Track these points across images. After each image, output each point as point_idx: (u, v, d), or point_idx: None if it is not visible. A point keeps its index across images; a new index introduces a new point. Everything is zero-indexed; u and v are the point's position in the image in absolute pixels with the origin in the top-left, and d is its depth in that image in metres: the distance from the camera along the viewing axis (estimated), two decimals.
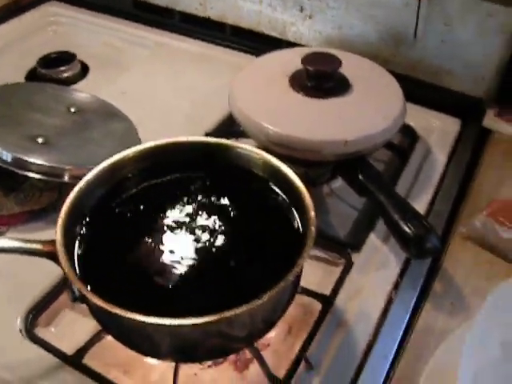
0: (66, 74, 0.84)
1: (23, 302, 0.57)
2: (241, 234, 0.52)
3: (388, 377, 0.52)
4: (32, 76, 0.86)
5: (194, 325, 0.43)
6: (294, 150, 0.62)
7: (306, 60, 0.65)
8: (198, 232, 0.52)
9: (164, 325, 0.42)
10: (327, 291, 0.58)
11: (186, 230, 0.52)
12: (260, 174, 0.55)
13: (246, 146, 0.55)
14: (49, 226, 0.64)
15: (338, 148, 0.61)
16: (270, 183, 0.55)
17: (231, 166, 0.56)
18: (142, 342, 0.49)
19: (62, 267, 0.46)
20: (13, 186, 0.65)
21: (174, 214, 0.53)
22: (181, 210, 0.54)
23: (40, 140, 0.64)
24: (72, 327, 0.58)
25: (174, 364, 0.53)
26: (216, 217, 0.53)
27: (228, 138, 0.73)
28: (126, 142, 0.68)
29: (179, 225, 0.52)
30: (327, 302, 0.57)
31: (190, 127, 0.76)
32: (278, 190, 0.54)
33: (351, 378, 0.52)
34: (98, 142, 0.67)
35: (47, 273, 0.58)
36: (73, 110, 0.70)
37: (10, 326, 0.55)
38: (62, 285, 0.58)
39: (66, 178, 0.63)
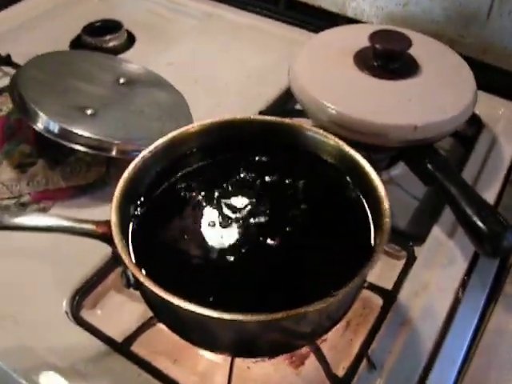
0: (112, 43, 0.80)
1: (69, 283, 0.54)
2: (308, 224, 0.48)
3: (456, 382, 0.49)
4: (76, 44, 0.82)
5: (260, 321, 0.40)
6: (357, 132, 0.58)
7: (374, 38, 0.61)
8: (261, 218, 0.49)
9: (230, 320, 0.40)
10: (388, 286, 0.55)
11: (249, 215, 0.49)
12: (329, 161, 0.51)
13: (316, 129, 0.51)
14: (96, 203, 0.61)
15: (406, 133, 0.57)
16: (341, 171, 0.51)
17: (297, 148, 0.52)
18: (199, 334, 0.46)
19: (117, 252, 0.43)
20: (58, 158, 0.62)
21: (235, 197, 0.50)
22: (243, 193, 0.50)
23: (89, 111, 0.60)
24: (119, 310, 0.55)
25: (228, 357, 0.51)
26: (281, 202, 0.50)
27: (283, 117, 0.70)
28: (177, 116, 0.65)
29: (241, 209, 0.49)
30: (389, 297, 0.54)
31: (242, 104, 0.72)
32: (348, 178, 0.50)
33: (416, 381, 0.49)
34: (148, 115, 0.63)
35: (93, 253, 0.55)
36: (121, 80, 0.66)
37: (56, 309, 0.52)
38: (110, 266, 0.56)
39: (114, 153, 0.59)
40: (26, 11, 0.87)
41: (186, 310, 0.40)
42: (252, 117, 0.54)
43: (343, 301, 0.45)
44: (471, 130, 0.70)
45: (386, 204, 0.46)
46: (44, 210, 0.59)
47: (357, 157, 0.49)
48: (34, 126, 0.58)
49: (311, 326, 0.45)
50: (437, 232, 0.59)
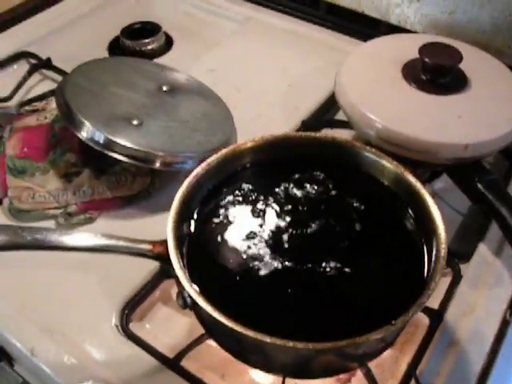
0: (150, 47, 0.80)
1: (117, 296, 0.54)
2: (363, 247, 0.48)
3: None
4: (114, 47, 0.82)
5: (322, 349, 0.40)
6: (405, 149, 0.57)
7: (423, 51, 0.60)
8: (316, 239, 0.49)
9: (292, 347, 0.40)
10: (434, 304, 0.55)
11: (303, 235, 0.49)
12: (385, 183, 0.51)
13: (373, 150, 0.51)
14: (141, 214, 0.61)
15: (456, 152, 0.57)
16: (397, 194, 0.51)
17: (352, 167, 0.52)
18: (254, 356, 0.46)
19: (175, 273, 0.44)
20: (103, 168, 0.62)
21: (289, 215, 0.50)
22: (297, 212, 0.50)
23: (134, 122, 0.60)
24: (166, 324, 0.56)
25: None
26: (335, 223, 0.50)
27: (325, 127, 0.70)
28: (222, 128, 0.64)
29: (295, 228, 0.49)
30: (437, 316, 0.54)
31: (285, 112, 0.71)
32: (404, 202, 0.50)
33: None
34: (193, 126, 0.63)
35: (140, 265, 0.56)
36: (165, 88, 0.66)
37: (105, 322, 0.53)
38: (158, 279, 0.56)
39: (158, 165, 0.59)
40: (64, 13, 0.87)
41: (248, 336, 0.40)
42: (304, 134, 0.54)
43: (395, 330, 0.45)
44: None
45: (442, 232, 0.46)
46: (90, 221, 0.59)
47: (416, 184, 0.49)
48: (80, 135, 0.58)
49: (365, 350, 0.46)
50: (483, 250, 0.59)
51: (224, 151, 0.52)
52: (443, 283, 0.58)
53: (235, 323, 0.40)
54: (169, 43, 0.83)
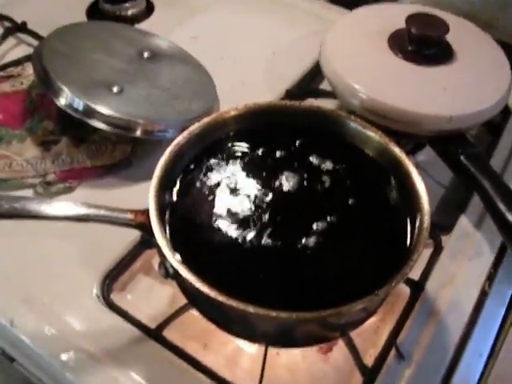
0: (130, 11, 0.77)
1: (98, 266, 0.54)
2: (346, 218, 0.48)
3: (483, 375, 0.50)
4: (93, 11, 0.79)
5: (305, 318, 0.40)
6: (389, 120, 0.57)
7: (410, 21, 0.59)
8: (299, 208, 0.48)
9: (275, 317, 0.40)
10: (415, 275, 0.55)
11: (286, 204, 0.48)
12: (370, 154, 0.51)
13: (359, 121, 0.51)
14: (122, 183, 0.60)
15: (440, 124, 0.56)
16: (382, 166, 0.50)
17: (336, 137, 0.52)
18: (237, 326, 0.46)
19: (157, 243, 0.43)
20: (83, 136, 0.61)
21: (272, 184, 0.49)
22: (280, 181, 0.49)
23: (113, 88, 0.58)
24: (148, 294, 0.55)
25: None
26: (319, 194, 0.49)
27: (309, 97, 0.69)
28: (204, 95, 0.63)
29: (278, 198, 0.48)
30: (417, 287, 0.54)
31: (267, 82, 0.70)
32: (389, 173, 0.50)
33: (443, 374, 0.49)
34: (174, 93, 0.62)
35: (121, 235, 0.55)
36: (146, 54, 0.64)
37: (86, 292, 0.52)
38: (139, 249, 0.56)
39: (139, 133, 0.58)
40: None
41: (230, 305, 0.40)
42: (288, 103, 0.53)
43: (380, 298, 0.45)
44: (498, 117, 0.69)
45: (425, 203, 0.46)
46: (69, 190, 0.58)
47: (400, 155, 0.49)
48: (58, 103, 0.57)
49: (347, 320, 0.46)
50: (464, 222, 0.59)
51: (206, 120, 0.51)
52: (424, 254, 0.58)
53: (218, 293, 0.40)
54: (150, 9, 0.80)
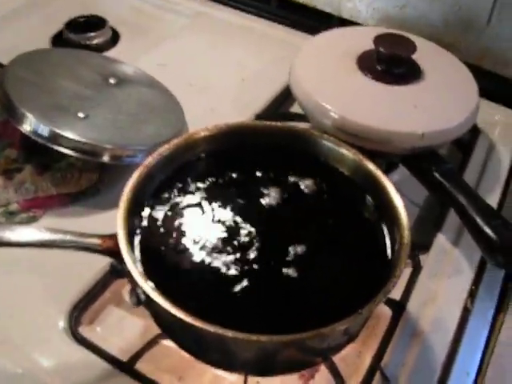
0: (95, 41, 0.76)
1: (64, 298, 0.51)
2: (323, 238, 0.47)
3: None
4: (58, 41, 0.77)
5: (286, 341, 0.38)
6: (361, 139, 0.56)
7: (378, 41, 0.59)
8: (274, 231, 0.47)
9: (256, 341, 0.37)
10: (396, 296, 0.54)
11: (261, 228, 0.47)
12: (345, 172, 0.50)
13: (331, 138, 0.50)
14: (89, 211, 0.57)
15: (412, 141, 0.56)
16: (356, 183, 0.50)
17: (309, 156, 0.51)
18: (214, 354, 0.44)
19: (127, 268, 0.41)
20: (47, 164, 0.58)
21: (245, 208, 0.48)
22: (254, 204, 0.48)
23: (79, 114, 0.57)
24: (118, 326, 0.52)
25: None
26: (293, 215, 0.48)
27: (280, 120, 0.68)
28: (171, 120, 0.62)
29: (252, 219, 0.47)
30: (399, 307, 0.53)
31: (237, 107, 0.69)
32: (364, 191, 0.49)
33: None
34: (141, 118, 0.60)
35: (88, 265, 0.52)
36: (112, 81, 0.63)
37: (53, 326, 0.49)
38: (108, 279, 0.53)
39: (107, 159, 0.56)
40: (4, 3, 0.82)
41: (207, 331, 0.38)
42: (260, 123, 0.52)
43: (361, 319, 0.44)
44: (467, 136, 0.69)
45: (404, 218, 0.45)
46: (34, 219, 0.55)
47: (375, 171, 0.48)
48: (22, 129, 0.55)
49: (329, 343, 0.44)
50: (441, 240, 0.59)
51: (176, 141, 0.49)
52: (404, 275, 0.56)
53: (194, 318, 0.38)
54: (115, 38, 0.79)
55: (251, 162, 0.51)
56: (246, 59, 0.78)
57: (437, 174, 0.56)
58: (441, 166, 0.57)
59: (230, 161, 0.51)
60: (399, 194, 0.47)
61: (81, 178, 0.58)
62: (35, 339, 0.48)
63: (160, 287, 0.40)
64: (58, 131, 0.54)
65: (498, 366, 0.50)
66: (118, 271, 0.53)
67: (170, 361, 0.50)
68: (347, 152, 0.50)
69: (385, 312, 0.54)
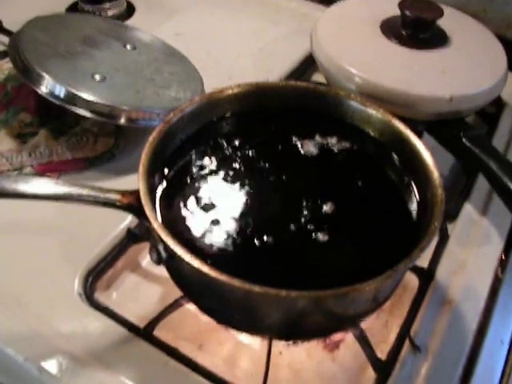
0: (110, 12, 0.74)
1: (80, 262, 0.49)
2: (353, 199, 0.45)
3: (507, 363, 0.46)
4: (73, 12, 0.76)
5: (318, 297, 0.36)
6: (386, 103, 0.54)
7: (403, 5, 0.57)
8: (301, 191, 0.45)
9: (284, 296, 0.35)
10: (424, 264, 0.52)
11: (285, 186, 0.45)
12: (371, 134, 0.48)
13: (361, 99, 0.48)
14: (105, 176, 0.56)
15: (440, 105, 0.54)
16: (385, 145, 0.48)
17: (337, 118, 0.49)
18: (236, 314, 0.41)
19: (148, 222, 0.39)
20: (62, 129, 0.57)
21: (269, 166, 0.46)
22: (278, 163, 0.46)
23: (97, 77, 0.55)
24: (134, 292, 0.50)
25: (257, 341, 0.47)
26: (319, 175, 0.46)
27: None
28: (190, 85, 0.60)
29: (276, 180, 0.45)
30: (427, 275, 0.51)
31: (256, 76, 0.67)
32: (393, 152, 0.47)
33: (464, 364, 0.45)
34: (159, 83, 0.58)
35: (104, 230, 0.51)
36: (129, 47, 0.61)
37: (67, 290, 0.47)
38: (124, 245, 0.51)
39: (124, 121, 0.54)
40: None
41: (234, 286, 0.36)
42: (285, 82, 0.50)
43: (391, 282, 0.42)
44: (493, 108, 0.67)
45: (436, 177, 0.43)
46: None
47: (405, 131, 0.46)
48: (38, 90, 0.53)
49: (357, 307, 0.42)
50: (469, 209, 0.57)
51: (198, 98, 0.47)
52: (431, 244, 0.55)
53: (220, 272, 0.36)
54: (131, 9, 0.78)
55: (276, 124, 0.49)
56: (263, 30, 0.76)
57: (465, 140, 0.54)
58: (469, 131, 0.55)
59: (254, 122, 0.49)
60: (430, 153, 0.45)
61: (96, 143, 0.56)
62: (50, 303, 0.46)
63: (181, 244, 0.39)
64: (74, 92, 0.53)
65: None
66: (134, 236, 0.52)
67: (189, 329, 0.48)
68: (375, 112, 0.48)
69: (412, 281, 0.51)
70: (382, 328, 0.50)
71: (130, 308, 0.48)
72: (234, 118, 0.49)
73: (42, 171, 0.54)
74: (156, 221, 0.38)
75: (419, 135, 0.61)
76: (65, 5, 0.78)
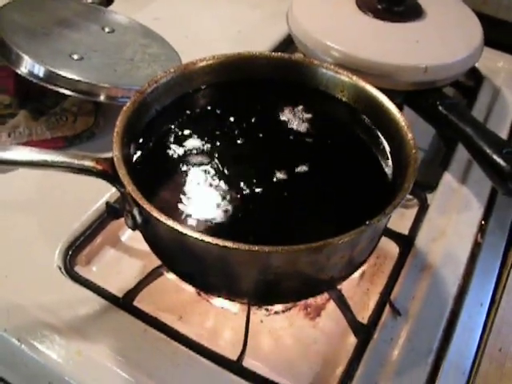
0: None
1: (59, 237, 0.49)
2: (328, 162, 0.45)
3: (486, 325, 0.46)
4: None
5: (292, 251, 0.36)
6: (364, 74, 0.54)
7: None
8: (276, 156, 0.45)
9: (260, 252, 0.35)
10: (404, 231, 0.52)
11: (260, 153, 0.45)
12: (343, 98, 0.48)
13: (329, 65, 0.48)
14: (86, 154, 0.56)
15: (416, 75, 0.55)
16: (356, 108, 0.48)
17: (309, 86, 0.49)
18: (215, 277, 0.41)
19: (123, 186, 0.39)
20: (42, 109, 0.57)
21: (242, 135, 0.46)
22: (251, 132, 0.46)
23: (75, 56, 0.55)
24: (115, 267, 0.50)
25: (237, 310, 0.47)
26: (293, 141, 0.46)
27: None
28: (168, 64, 0.60)
29: (252, 147, 0.45)
30: (406, 242, 0.51)
31: None
32: (363, 115, 0.48)
33: (444, 326, 0.46)
34: (138, 63, 0.59)
35: (83, 205, 0.51)
36: (107, 29, 0.61)
37: (47, 263, 0.47)
38: (104, 219, 0.51)
39: (103, 98, 0.55)
40: None
41: (208, 244, 0.36)
42: (259, 53, 0.50)
43: (367, 239, 0.42)
44: (471, 82, 0.68)
45: (410, 137, 0.43)
46: None
47: (377, 95, 0.46)
48: (18, 70, 0.53)
49: (332, 268, 0.42)
50: (448, 179, 0.57)
51: (173, 70, 0.47)
52: (410, 212, 0.55)
53: (193, 231, 0.36)
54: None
55: (250, 94, 0.50)
56: (241, 13, 0.77)
57: (441, 108, 0.55)
58: (445, 100, 0.55)
59: (229, 92, 0.49)
60: (403, 116, 0.46)
61: (75, 122, 0.56)
62: (29, 276, 0.46)
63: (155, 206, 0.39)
64: (53, 70, 0.53)
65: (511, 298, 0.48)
66: (114, 211, 0.51)
67: (169, 300, 0.48)
68: (347, 79, 0.48)
69: (392, 249, 0.52)
70: (363, 296, 0.50)
71: (110, 280, 0.48)
72: (210, 89, 0.49)
73: None
74: (130, 184, 0.38)
75: (400, 107, 0.62)
76: None
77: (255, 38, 0.71)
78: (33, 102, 0.57)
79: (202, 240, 0.35)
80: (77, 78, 0.53)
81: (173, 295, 0.48)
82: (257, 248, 0.35)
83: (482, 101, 0.66)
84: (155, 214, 0.37)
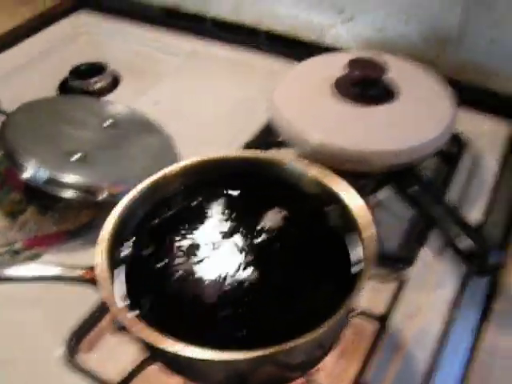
0: (97, 86, 0.82)
1: (63, 327, 0.54)
2: (289, 258, 0.49)
3: None
4: (64, 88, 0.84)
5: (252, 359, 0.41)
6: (340, 161, 0.59)
7: (350, 65, 0.62)
8: (247, 254, 0.49)
9: (219, 361, 0.40)
10: (379, 310, 0.55)
11: (235, 251, 0.49)
12: (310, 192, 0.52)
13: (297, 162, 0.52)
14: (86, 246, 0.61)
15: (388, 159, 0.58)
16: (320, 202, 0.51)
17: (280, 182, 0.53)
18: (192, 373, 0.46)
19: (103, 295, 0.44)
20: (48, 205, 0.63)
21: (221, 235, 0.50)
22: (228, 231, 0.51)
23: (75, 157, 0.62)
24: (116, 353, 0.55)
25: None
26: (264, 238, 0.50)
27: (269, 149, 0.71)
28: (163, 157, 0.66)
29: (227, 246, 0.49)
30: (383, 322, 0.54)
31: (228, 138, 0.72)
32: (327, 208, 0.51)
33: None
34: (134, 157, 0.65)
35: (85, 296, 0.55)
36: (107, 123, 0.68)
37: (51, 354, 0.52)
38: (106, 308, 0.56)
39: (103, 197, 0.60)
40: (14, 58, 0.89)
41: (171, 353, 0.40)
42: (226, 154, 0.55)
43: (332, 330, 0.45)
44: (454, 148, 0.71)
45: (370, 230, 0.47)
46: (37, 256, 0.60)
47: (335, 188, 0.50)
48: (22, 175, 0.60)
49: (302, 358, 0.46)
50: (424, 254, 0.60)
51: (153, 178, 0.52)
52: (388, 288, 0.58)
53: (160, 339, 0.40)
54: (116, 81, 0.85)
55: (222, 193, 0.54)
56: (237, 91, 0.81)
57: (411, 190, 0.58)
58: (416, 181, 0.59)
59: (203, 193, 0.54)
60: (364, 209, 0.49)
61: (78, 216, 0.62)
62: (34, 368, 0.52)
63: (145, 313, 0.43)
64: (53, 177, 0.59)
65: (479, 373, 0.50)
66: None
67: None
68: (312, 173, 0.52)
69: (369, 327, 0.55)
70: (343, 374, 0.52)
71: (110, 368, 0.52)
72: (185, 193, 0.54)
73: (31, 245, 0.60)
74: (109, 294, 0.43)
75: (385, 184, 0.65)
76: (58, 81, 0.86)
77: (248, 116, 0.76)
78: (40, 198, 0.63)
79: (168, 351, 0.40)
80: (76, 181, 0.59)
81: (166, 378, 0.53)
82: (215, 357, 0.39)
83: (463, 168, 0.68)
84: (126, 322, 0.42)
